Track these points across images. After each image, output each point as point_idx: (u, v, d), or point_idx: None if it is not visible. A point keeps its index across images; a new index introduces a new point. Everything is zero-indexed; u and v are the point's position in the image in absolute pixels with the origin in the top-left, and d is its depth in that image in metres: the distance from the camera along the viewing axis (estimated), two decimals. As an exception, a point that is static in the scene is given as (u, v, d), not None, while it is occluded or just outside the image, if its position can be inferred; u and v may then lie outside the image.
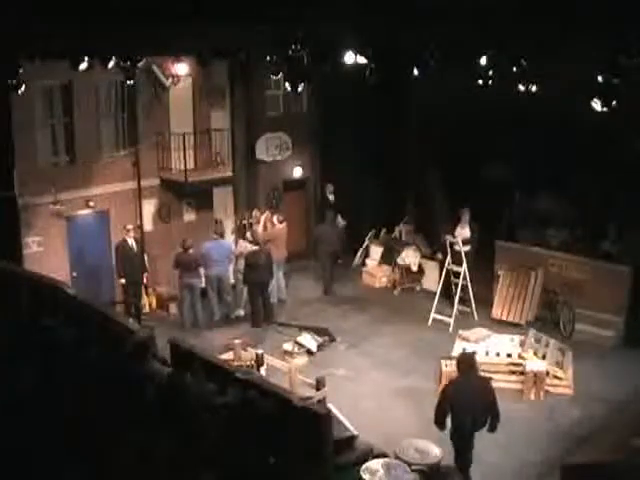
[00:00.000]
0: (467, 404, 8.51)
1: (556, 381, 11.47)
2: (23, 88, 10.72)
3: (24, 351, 7.40)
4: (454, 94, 13.62)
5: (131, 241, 14.09)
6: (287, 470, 5.77)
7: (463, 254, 14.34)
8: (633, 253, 13.64)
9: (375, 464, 6.37)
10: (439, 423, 8.68)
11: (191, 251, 14.10)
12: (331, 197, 17.90)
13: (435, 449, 7.73)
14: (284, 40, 8.69)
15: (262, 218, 15.79)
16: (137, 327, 7.74)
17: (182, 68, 14.68)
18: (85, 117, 14.06)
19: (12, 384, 6.88)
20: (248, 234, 15.34)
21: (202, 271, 14.38)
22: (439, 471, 7.46)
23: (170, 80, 14.99)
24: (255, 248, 14.44)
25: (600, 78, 7.45)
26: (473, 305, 14.53)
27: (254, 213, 16.06)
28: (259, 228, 15.46)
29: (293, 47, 8.65)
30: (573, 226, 15.00)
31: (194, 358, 7.04)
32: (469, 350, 11.96)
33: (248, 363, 10.96)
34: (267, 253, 14.38)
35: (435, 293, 14.69)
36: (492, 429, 8.67)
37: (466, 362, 8.89)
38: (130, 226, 14.18)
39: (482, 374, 9.59)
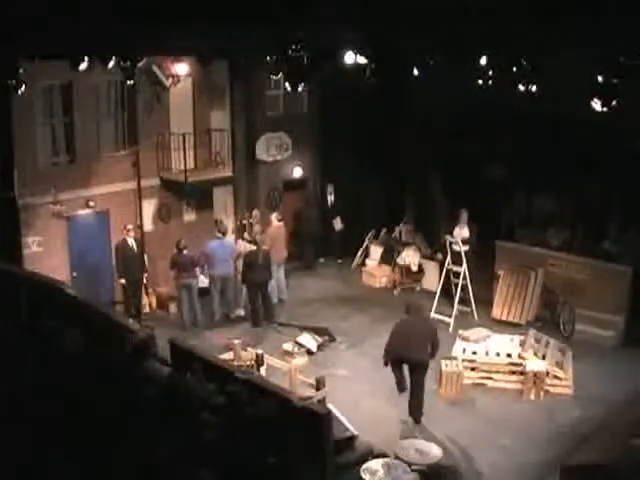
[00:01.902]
0: (412, 337, 10.27)
1: (556, 381, 11.46)
2: (23, 88, 10.73)
3: (24, 351, 7.39)
4: (454, 94, 13.63)
5: (131, 241, 14.08)
6: (287, 470, 5.77)
7: (463, 254, 14.34)
8: (633, 253, 13.65)
9: (375, 464, 6.38)
10: (386, 357, 10.38)
11: (186, 251, 14.09)
12: (331, 197, 17.90)
13: (435, 449, 7.75)
14: (284, 40, 8.69)
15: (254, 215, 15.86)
16: (137, 327, 7.75)
17: (182, 68, 14.68)
18: (85, 117, 14.04)
19: (12, 384, 6.87)
20: (246, 234, 15.34)
21: (199, 271, 14.40)
22: (439, 471, 7.48)
23: (170, 80, 14.96)
24: (253, 248, 14.43)
25: (600, 78, 7.45)
26: (473, 305, 14.52)
27: (254, 213, 16.05)
28: (258, 228, 15.46)
29: (293, 47, 8.64)
30: (573, 226, 14.99)
31: (194, 358, 7.05)
32: (469, 350, 12.02)
33: (248, 363, 10.96)
34: (265, 253, 14.35)
35: (435, 293, 14.69)
36: (432, 356, 10.48)
37: (413, 306, 11.02)
38: (130, 226, 14.17)
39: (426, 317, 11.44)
